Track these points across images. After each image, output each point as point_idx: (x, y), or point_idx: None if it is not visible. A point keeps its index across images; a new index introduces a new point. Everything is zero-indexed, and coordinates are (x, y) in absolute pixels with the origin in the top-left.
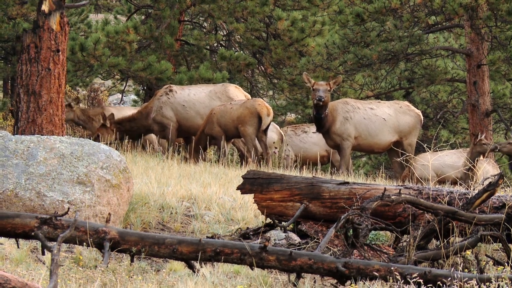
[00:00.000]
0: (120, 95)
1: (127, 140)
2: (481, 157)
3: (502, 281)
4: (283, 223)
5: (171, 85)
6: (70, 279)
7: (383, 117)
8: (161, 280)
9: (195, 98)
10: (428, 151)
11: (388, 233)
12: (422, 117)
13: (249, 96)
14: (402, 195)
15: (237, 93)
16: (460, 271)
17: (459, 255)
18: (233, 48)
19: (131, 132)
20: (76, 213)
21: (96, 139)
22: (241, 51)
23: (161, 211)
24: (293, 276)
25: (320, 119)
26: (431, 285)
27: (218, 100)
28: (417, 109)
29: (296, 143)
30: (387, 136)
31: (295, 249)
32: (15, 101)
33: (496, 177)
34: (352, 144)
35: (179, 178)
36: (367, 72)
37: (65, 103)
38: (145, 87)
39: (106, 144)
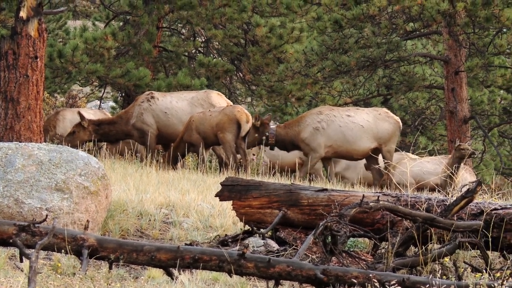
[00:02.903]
0: (98, 102)
1: (105, 146)
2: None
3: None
4: (261, 230)
5: (153, 91)
6: (49, 286)
7: (361, 124)
8: (139, 287)
9: (177, 106)
10: (405, 157)
11: (367, 240)
12: (401, 124)
13: (230, 103)
14: (381, 202)
15: (219, 100)
16: (438, 278)
17: (437, 262)
18: (212, 55)
19: (108, 136)
20: (54, 220)
21: (70, 135)
22: (220, 58)
23: (139, 218)
24: (271, 283)
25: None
26: None
27: (200, 107)
28: (395, 115)
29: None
30: (366, 143)
31: (273, 256)
32: None
33: (474, 184)
34: (321, 155)
35: (158, 185)
36: (345, 78)
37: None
38: (123, 94)
39: (80, 143)
